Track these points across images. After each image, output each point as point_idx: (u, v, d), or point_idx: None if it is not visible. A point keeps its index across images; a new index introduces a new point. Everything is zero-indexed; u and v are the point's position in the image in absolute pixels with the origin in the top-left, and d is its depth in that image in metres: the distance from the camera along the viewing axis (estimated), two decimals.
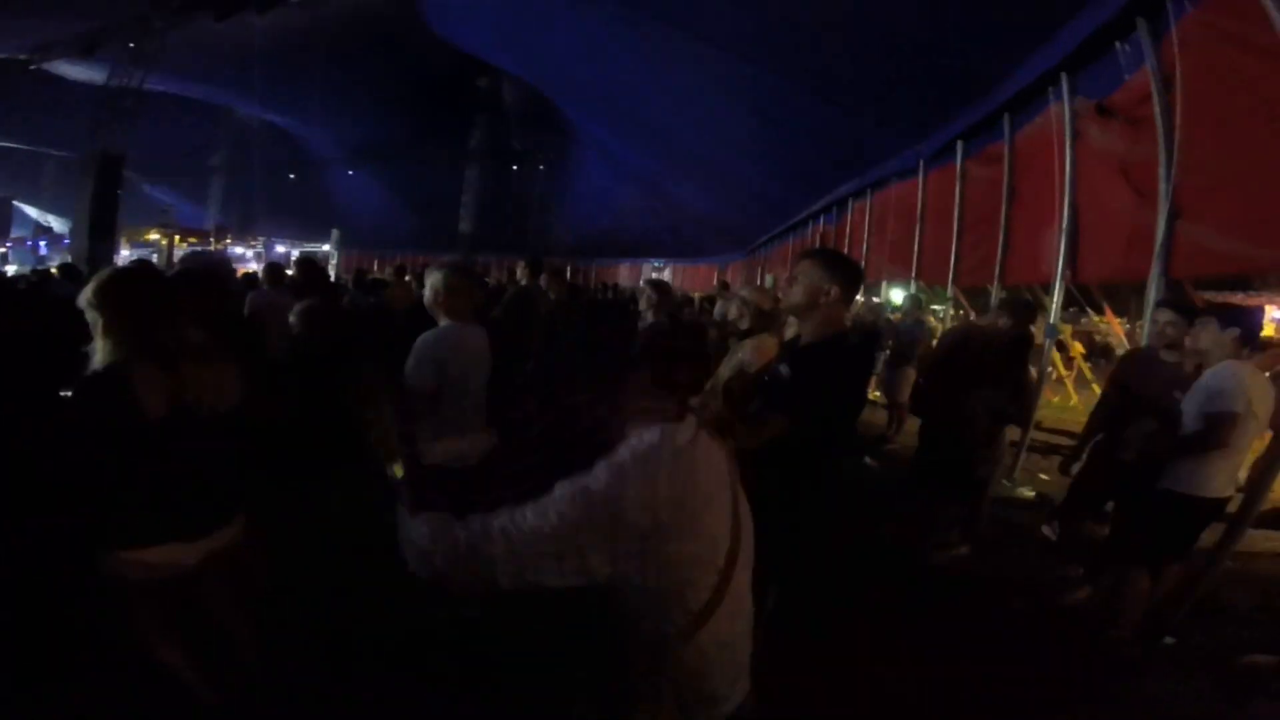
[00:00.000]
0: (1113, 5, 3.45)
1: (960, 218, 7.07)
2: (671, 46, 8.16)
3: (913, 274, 8.71)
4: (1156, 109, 3.46)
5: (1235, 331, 2.52)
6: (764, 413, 1.65)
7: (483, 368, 2.65)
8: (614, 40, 9.88)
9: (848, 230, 11.48)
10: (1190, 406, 2.52)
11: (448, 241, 24.12)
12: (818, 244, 14.10)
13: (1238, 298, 8.83)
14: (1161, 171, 3.64)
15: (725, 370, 2.62)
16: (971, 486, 3.59)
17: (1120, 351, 5.96)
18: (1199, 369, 3.02)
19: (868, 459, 5.84)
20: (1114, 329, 7.88)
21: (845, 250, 11.79)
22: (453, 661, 2.19)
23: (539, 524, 1.07)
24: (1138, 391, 3.47)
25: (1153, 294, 4.08)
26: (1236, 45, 2.86)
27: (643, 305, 4.40)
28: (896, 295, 11.15)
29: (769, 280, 19.64)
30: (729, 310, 3.13)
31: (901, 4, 4.73)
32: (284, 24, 15.54)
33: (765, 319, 3.00)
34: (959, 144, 6.49)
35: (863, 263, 10.71)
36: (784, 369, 1.81)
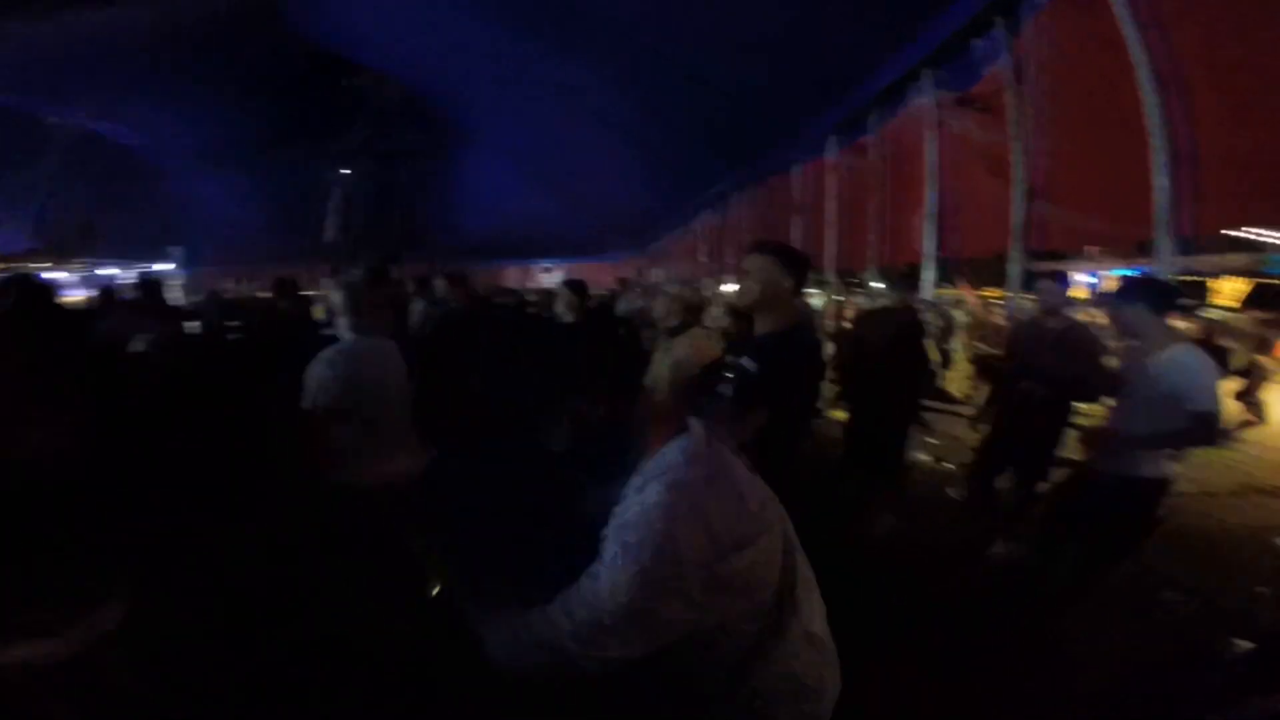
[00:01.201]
0: (974, 5, 3.76)
1: (837, 206, 7.56)
2: (557, 39, 8.01)
3: None
4: (1010, 99, 3.83)
5: (1144, 306, 2.72)
6: (738, 408, 1.61)
7: (402, 382, 2.44)
8: (496, 37, 9.56)
9: (729, 223, 11.94)
10: (1156, 396, 2.60)
11: (314, 250, 22.33)
12: (703, 237, 14.53)
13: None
14: (1015, 156, 4.05)
15: (662, 369, 2.54)
16: (899, 462, 3.76)
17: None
18: (1074, 329, 3.37)
19: None
20: (968, 299, 8.75)
21: (723, 242, 12.28)
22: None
23: (598, 608, 1.00)
24: (1026, 356, 3.82)
25: (1014, 267, 4.55)
26: (1081, 36, 3.20)
27: (559, 307, 4.28)
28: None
29: (657, 273, 19.98)
30: (655, 307, 3.06)
31: (776, 5, 4.90)
32: (114, 22, 13.59)
33: (693, 314, 2.96)
34: (831, 138, 6.89)
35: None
36: (748, 363, 1.78)
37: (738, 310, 2.91)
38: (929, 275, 5.99)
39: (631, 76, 8.24)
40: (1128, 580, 3.08)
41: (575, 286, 4.27)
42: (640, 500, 1.03)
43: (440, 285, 4.94)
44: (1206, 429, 2.46)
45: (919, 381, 3.65)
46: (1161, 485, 2.66)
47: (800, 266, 2.00)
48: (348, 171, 24.95)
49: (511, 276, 27.11)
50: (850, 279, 7.97)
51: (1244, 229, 4.59)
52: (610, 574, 1.01)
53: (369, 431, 2.25)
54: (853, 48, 4.85)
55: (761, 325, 1.96)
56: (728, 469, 1.10)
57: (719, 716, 1.11)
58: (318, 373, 2.19)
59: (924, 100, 4.80)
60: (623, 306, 6.93)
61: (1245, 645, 2.67)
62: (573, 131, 12.84)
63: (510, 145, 18.15)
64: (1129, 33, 2.76)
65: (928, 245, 5.81)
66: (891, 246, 6.72)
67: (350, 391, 2.19)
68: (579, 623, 1.01)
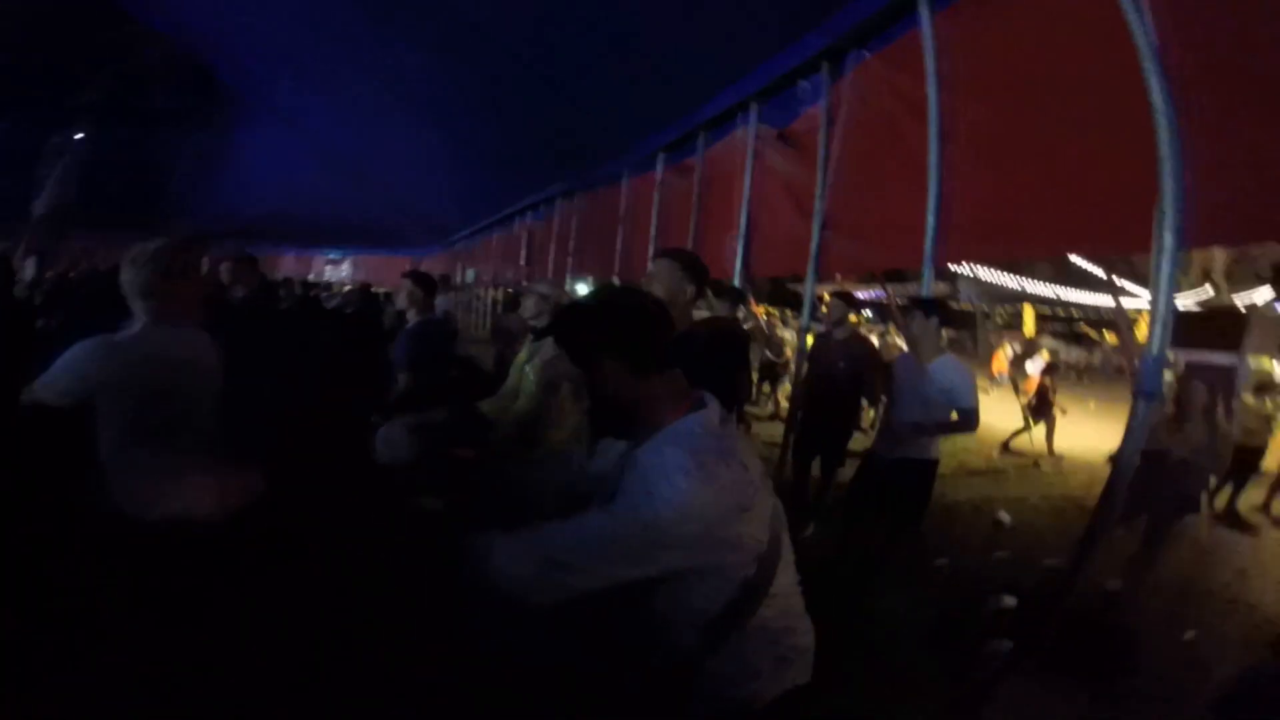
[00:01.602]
0: (809, 48, 4.35)
1: (657, 221, 8.09)
2: (381, 11, 7.41)
3: (615, 271, 9.60)
4: (821, 138, 4.50)
5: (935, 320, 3.40)
6: None
7: (208, 386, 2.07)
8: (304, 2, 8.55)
9: (554, 229, 12.04)
10: (933, 394, 3.21)
11: (27, 217, 17.63)
12: (524, 239, 14.42)
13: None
14: (818, 190, 4.75)
15: (532, 372, 2.52)
16: None
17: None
18: (857, 338, 4.05)
19: None
20: (757, 316, 10.04)
21: (550, 246, 12.36)
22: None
23: (607, 536, 1.11)
24: (824, 363, 4.49)
25: (809, 289, 5.30)
26: (892, 94, 3.90)
27: (402, 302, 4.04)
28: (581, 288, 12.05)
29: (470, 274, 19.27)
30: (525, 306, 2.99)
31: (627, 18, 5.16)
32: None
33: None
34: (660, 155, 7.37)
35: (569, 260, 11.42)
36: None
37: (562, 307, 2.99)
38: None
39: (460, 64, 7.95)
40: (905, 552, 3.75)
41: (421, 280, 3.99)
42: (659, 461, 1.10)
43: (224, 270, 4.33)
44: (970, 420, 3.21)
45: (744, 385, 4.08)
46: (934, 465, 3.36)
47: (702, 273, 2.15)
48: (81, 135, 20.07)
49: (287, 265, 23.98)
50: None
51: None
52: (625, 513, 1.10)
53: (161, 450, 1.86)
54: (691, 73, 5.27)
55: None
56: (734, 439, 1.22)
57: (703, 671, 1.19)
58: (70, 362, 1.78)
59: (747, 131, 5.39)
60: (443, 305, 6.60)
61: (1011, 600, 3.43)
62: (382, 113, 11.90)
63: (303, 120, 16.16)
64: (930, 93, 3.44)
65: (738, 264, 6.49)
66: (706, 262, 7.37)
67: (124, 394, 1.80)
68: (588, 542, 1.11)
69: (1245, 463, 6.06)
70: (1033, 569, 4.06)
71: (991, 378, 11.61)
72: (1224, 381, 6.12)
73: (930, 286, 3.94)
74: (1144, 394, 2.78)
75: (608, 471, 1.27)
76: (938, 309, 3.49)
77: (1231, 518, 6.07)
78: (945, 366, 3.28)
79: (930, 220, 3.64)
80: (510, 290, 14.20)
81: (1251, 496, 6.33)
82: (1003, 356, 11.86)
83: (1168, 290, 2.62)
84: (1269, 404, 6.40)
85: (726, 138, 6.03)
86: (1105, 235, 2.90)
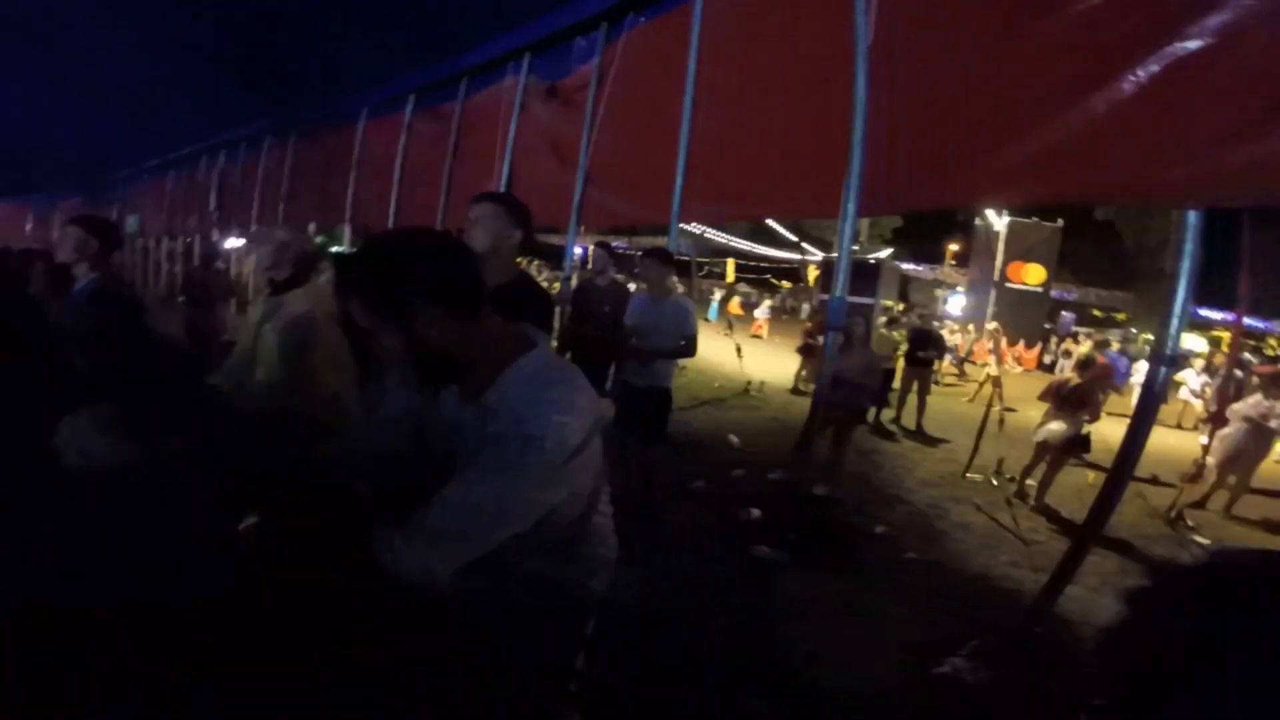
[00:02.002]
0: (590, 7, 4.48)
1: (402, 167, 7.53)
2: None
3: (347, 218, 8.70)
4: (590, 95, 4.74)
5: (669, 267, 3.88)
6: None
7: None
8: None
9: (261, 172, 10.29)
10: (667, 325, 3.72)
11: None
12: (215, 182, 12.00)
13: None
14: (583, 146, 5.01)
15: (274, 334, 2.21)
16: None
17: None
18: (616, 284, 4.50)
19: None
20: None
21: (256, 191, 10.58)
22: None
23: (494, 499, 1.08)
24: (588, 307, 4.81)
25: (570, 240, 5.60)
26: (659, 60, 4.25)
27: (68, 255, 2.97)
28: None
29: (132, 222, 15.34)
30: (260, 256, 2.50)
31: None
32: None
33: (308, 264, 2.56)
34: (411, 98, 6.86)
35: (281, 206, 9.94)
36: None
37: (306, 254, 2.66)
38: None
39: None
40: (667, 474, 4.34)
41: (97, 227, 3.03)
42: (524, 404, 1.10)
43: None
44: (692, 347, 3.87)
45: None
46: (670, 391, 4.02)
47: (528, 218, 2.10)
48: None
49: None
50: None
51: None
52: (510, 466, 1.07)
53: None
54: (458, 17, 5.04)
55: (489, 275, 2.03)
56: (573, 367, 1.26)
57: (549, 594, 1.27)
58: None
59: (518, 81, 5.36)
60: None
61: (757, 512, 4.18)
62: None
63: None
64: (691, 64, 3.89)
65: None
66: (459, 214, 7.15)
67: None
68: (483, 508, 1.07)
69: (884, 383, 8.16)
70: (762, 481, 5.01)
71: (729, 321, 13.70)
72: (867, 317, 8.11)
73: (676, 240, 4.54)
74: (832, 328, 3.77)
75: (457, 421, 1.19)
76: (670, 257, 4.09)
77: (878, 428, 8.15)
78: (676, 303, 3.94)
79: (678, 181, 4.18)
80: (200, 241, 11.74)
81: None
82: (737, 303, 13.93)
83: (848, 247, 3.55)
84: (895, 334, 8.74)
85: (492, 87, 5.90)
86: (809, 202, 3.71)
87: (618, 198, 5.07)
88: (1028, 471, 5.49)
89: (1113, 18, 2.46)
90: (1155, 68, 2.37)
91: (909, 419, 8.20)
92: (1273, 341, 23.88)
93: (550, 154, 5.59)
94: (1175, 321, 2.57)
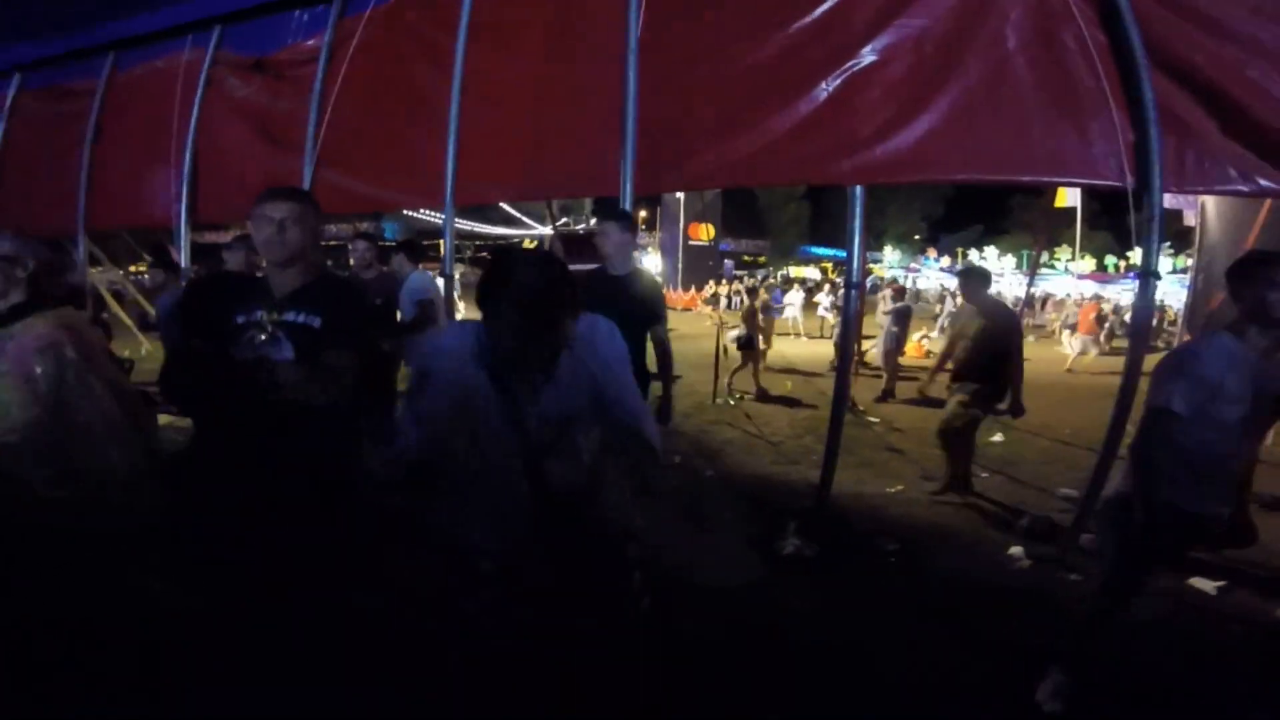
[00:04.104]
0: None
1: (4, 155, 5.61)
2: None
3: None
4: (320, 74, 4.19)
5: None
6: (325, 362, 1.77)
7: None
8: None
9: None
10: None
11: None
12: None
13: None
14: (310, 126, 4.44)
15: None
16: None
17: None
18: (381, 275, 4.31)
19: None
20: None
21: None
22: None
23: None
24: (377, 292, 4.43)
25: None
26: (413, 38, 3.93)
27: None
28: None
29: None
30: None
31: None
32: None
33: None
34: (18, 76, 5.12)
35: None
36: (303, 318, 1.83)
37: None
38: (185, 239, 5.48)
39: None
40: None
41: None
42: (598, 336, 1.49)
43: None
44: (428, 318, 4.11)
45: None
46: None
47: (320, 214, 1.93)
48: None
49: None
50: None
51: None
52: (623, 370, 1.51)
53: None
54: None
55: (291, 279, 1.78)
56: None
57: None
58: None
59: (200, 56, 4.43)
60: None
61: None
62: None
63: None
64: (460, 44, 3.76)
65: (179, 208, 5.36)
66: (108, 205, 5.66)
67: None
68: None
69: None
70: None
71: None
72: None
73: (451, 226, 4.46)
74: None
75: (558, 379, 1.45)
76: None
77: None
78: (420, 279, 4.17)
79: (450, 164, 4.10)
80: None
81: None
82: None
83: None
84: None
85: (161, 60, 4.75)
86: (589, 180, 3.98)
87: (358, 180, 4.64)
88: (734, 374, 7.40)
89: (820, 33, 3.28)
90: (838, 81, 3.26)
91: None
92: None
93: (255, 134, 4.79)
94: (855, 262, 3.67)
